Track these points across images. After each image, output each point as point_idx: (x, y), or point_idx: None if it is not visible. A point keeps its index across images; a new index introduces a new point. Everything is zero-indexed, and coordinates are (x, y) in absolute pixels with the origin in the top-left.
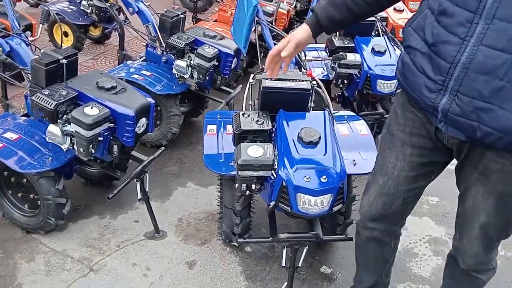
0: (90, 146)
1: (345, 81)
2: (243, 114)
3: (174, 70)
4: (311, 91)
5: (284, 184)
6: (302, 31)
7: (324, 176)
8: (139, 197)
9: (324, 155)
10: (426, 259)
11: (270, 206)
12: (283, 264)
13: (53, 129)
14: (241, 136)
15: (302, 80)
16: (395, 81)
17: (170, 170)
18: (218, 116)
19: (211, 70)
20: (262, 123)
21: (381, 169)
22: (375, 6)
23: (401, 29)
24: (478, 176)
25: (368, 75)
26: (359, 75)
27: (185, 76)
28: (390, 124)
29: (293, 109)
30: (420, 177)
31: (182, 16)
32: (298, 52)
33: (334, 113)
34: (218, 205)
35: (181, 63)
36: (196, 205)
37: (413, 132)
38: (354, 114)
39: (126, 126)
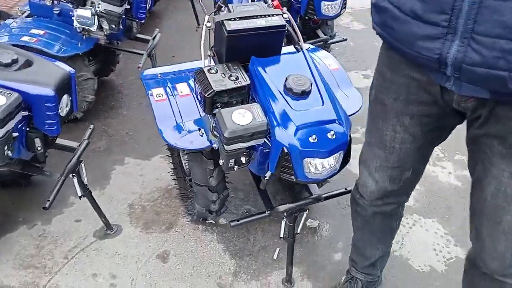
0: (5, 147)
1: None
2: (209, 70)
3: (75, 23)
4: (285, 28)
5: (285, 150)
6: None
7: (332, 132)
8: (79, 194)
9: (322, 105)
10: None
11: (266, 178)
12: (281, 235)
13: None
14: (214, 100)
15: (272, 15)
16: (340, 0)
17: (97, 147)
18: (159, 75)
19: (123, 16)
20: (236, 79)
21: (379, 142)
22: None
23: None
24: (503, 149)
25: None
26: (299, 0)
27: (91, 29)
28: (377, 90)
29: (265, 53)
30: (426, 144)
31: None
32: None
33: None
34: (173, 179)
35: (83, 12)
36: (144, 184)
37: (409, 99)
38: (311, 45)
39: (46, 111)
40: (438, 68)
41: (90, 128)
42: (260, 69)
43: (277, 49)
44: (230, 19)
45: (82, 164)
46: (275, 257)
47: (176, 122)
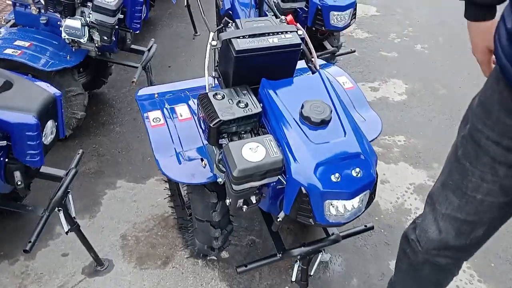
0: None
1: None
2: (214, 96)
3: (63, 34)
4: (301, 47)
5: (304, 191)
6: (480, 37)
7: (357, 169)
8: (66, 229)
9: (344, 136)
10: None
11: (279, 220)
12: (293, 279)
13: None
14: (220, 130)
15: (286, 32)
16: (349, 10)
17: (87, 168)
18: (156, 95)
19: (116, 27)
20: (246, 106)
21: (456, 187)
22: None
23: None
24: None
25: (319, 7)
26: (306, 9)
27: (81, 41)
28: (474, 126)
29: (277, 75)
30: (510, 210)
31: None
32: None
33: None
34: (171, 206)
35: (73, 23)
36: (138, 211)
37: None
38: (323, 61)
39: (28, 140)
40: None
41: (78, 153)
42: (272, 93)
43: (290, 70)
44: (238, 37)
45: (70, 195)
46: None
47: (176, 151)
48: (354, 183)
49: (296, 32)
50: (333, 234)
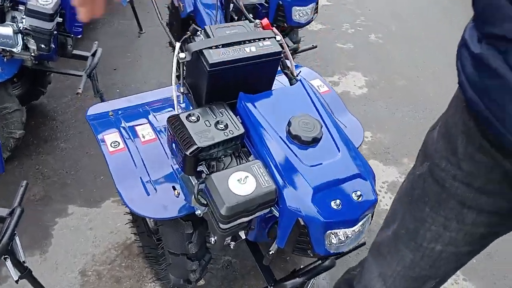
0: None
1: (234, 15)
2: (187, 118)
3: None
4: (281, 55)
5: (301, 222)
6: None
7: (358, 192)
8: (16, 278)
9: (339, 154)
10: None
11: (271, 253)
12: None
13: None
14: (197, 158)
15: (264, 39)
16: (312, 5)
17: (32, 194)
18: (110, 113)
19: (55, 32)
20: (226, 127)
21: (410, 238)
22: None
23: None
24: None
25: (280, 2)
26: (266, 5)
27: (14, 50)
28: (436, 163)
29: (256, 87)
30: (473, 253)
31: None
32: None
33: None
34: (133, 233)
35: (3, 30)
36: (96, 240)
37: (485, 189)
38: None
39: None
40: None
41: (22, 186)
42: (253, 109)
43: (270, 81)
44: (211, 47)
45: (17, 238)
46: None
47: (142, 181)
48: (356, 209)
49: (275, 38)
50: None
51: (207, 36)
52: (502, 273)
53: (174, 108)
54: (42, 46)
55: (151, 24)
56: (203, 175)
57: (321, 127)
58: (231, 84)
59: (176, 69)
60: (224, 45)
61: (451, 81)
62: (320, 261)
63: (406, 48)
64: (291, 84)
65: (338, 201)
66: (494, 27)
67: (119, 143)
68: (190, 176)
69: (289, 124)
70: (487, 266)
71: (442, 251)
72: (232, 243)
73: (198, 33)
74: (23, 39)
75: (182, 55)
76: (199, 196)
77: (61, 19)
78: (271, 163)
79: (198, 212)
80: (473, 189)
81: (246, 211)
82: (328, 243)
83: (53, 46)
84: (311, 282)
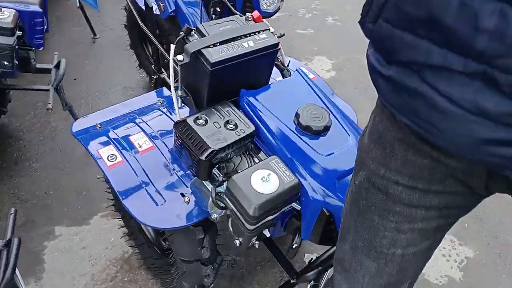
0: None
1: (218, 8)
2: (195, 121)
3: None
4: (279, 47)
5: (326, 212)
6: None
7: None
8: None
9: (349, 139)
10: None
11: (295, 247)
12: None
13: None
14: (211, 162)
15: (259, 32)
16: None
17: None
18: (98, 126)
19: (16, 47)
20: (236, 126)
21: (369, 248)
22: None
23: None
24: None
25: None
26: None
27: None
28: (374, 171)
29: (254, 82)
30: (436, 242)
31: None
32: None
33: None
34: (131, 246)
35: None
36: (92, 259)
37: (429, 189)
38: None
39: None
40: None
41: (11, 214)
42: (258, 105)
43: (268, 75)
44: (209, 46)
45: (17, 269)
46: None
47: (147, 192)
48: None
49: (269, 30)
50: None
51: (201, 35)
52: (493, 233)
53: (168, 114)
54: (5, 63)
55: (103, 28)
56: (217, 178)
57: (329, 115)
58: (232, 82)
59: (174, 72)
60: (221, 43)
61: None
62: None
63: None
64: (283, 76)
65: None
66: (399, 55)
67: (116, 156)
68: (203, 181)
69: (297, 115)
70: (478, 229)
71: (403, 254)
72: (257, 242)
73: (192, 32)
74: None
75: (180, 57)
76: (217, 199)
77: (20, 32)
78: (287, 157)
79: (214, 216)
80: (418, 190)
81: (273, 209)
82: None
83: (16, 62)
84: (328, 272)
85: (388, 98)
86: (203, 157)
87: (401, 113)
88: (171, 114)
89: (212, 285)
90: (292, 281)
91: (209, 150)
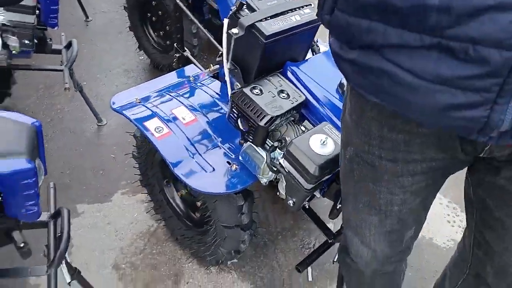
0: None
1: None
2: (251, 90)
3: None
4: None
5: None
6: None
7: None
8: (68, 280)
9: None
10: None
11: (338, 208)
12: (335, 260)
13: None
14: (267, 129)
15: (302, 7)
16: None
17: None
18: (136, 99)
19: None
20: (288, 95)
21: (369, 208)
22: None
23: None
24: None
25: None
26: None
27: None
28: (359, 148)
29: (296, 56)
30: (430, 196)
31: None
32: None
33: None
34: (157, 220)
35: None
36: (118, 234)
37: (408, 159)
38: None
39: (24, 190)
40: (477, 131)
41: (52, 187)
42: (303, 76)
43: (307, 49)
44: (261, 20)
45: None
46: (310, 278)
47: (197, 162)
48: None
49: (311, 5)
50: None
51: (252, 9)
52: None
53: (202, 89)
54: (26, 41)
55: (95, 11)
56: (271, 145)
57: None
58: (279, 55)
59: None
60: (271, 17)
61: None
62: None
63: None
64: (313, 52)
65: None
66: (359, 40)
67: (162, 128)
68: (256, 148)
69: (340, 85)
70: None
71: (400, 210)
72: (307, 203)
73: (244, 7)
74: (1, 37)
75: (235, 30)
76: (271, 164)
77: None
78: (335, 123)
79: (264, 180)
80: (400, 162)
81: (331, 169)
82: None
83: (35, 41)
84: None
85: (355, 80)
86: (262, 123)
87: (370, 92)
88: (205, 89)
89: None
90: (330, 241)
91: (268, 117)
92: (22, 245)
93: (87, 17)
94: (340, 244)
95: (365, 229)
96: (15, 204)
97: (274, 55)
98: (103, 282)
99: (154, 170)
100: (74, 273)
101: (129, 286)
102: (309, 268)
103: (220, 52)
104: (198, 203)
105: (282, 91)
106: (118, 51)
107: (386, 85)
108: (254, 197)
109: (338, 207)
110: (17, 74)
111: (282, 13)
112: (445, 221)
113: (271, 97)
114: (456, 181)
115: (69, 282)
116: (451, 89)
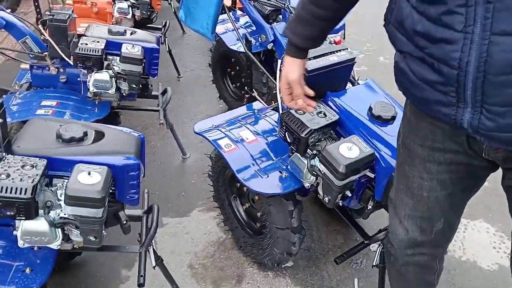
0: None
1: None
2: (296, 111)
3: (91, 88)
4: (355, 61)
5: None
6: (295, 67)
7: None
8: (154, 263)
9: None
10: None
11: (369, 208)
12: (375, 263)
13: None
14: (308, 140)
15: (339, 51)
16: (342, 31)
17: None
18: (213, 125)
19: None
20: (325, 115)
21: (406, 189)
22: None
23: None
24: None
25: None
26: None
27: (109, 92)
28: (404, 135)
29: (336, 87)
30: (457, 194)
31: (74, 15)
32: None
33: None
34: (226, 230)
35: (101, 76)
36: (194, 241)
37: (434, 147)
38: None
39: (130, 180)
40: (458, 127)
41: (146, 193)
42: (340, 102)
43: (345, 82)
44: (309, 59)
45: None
46: (356, 287)
47: (255, 170)
48: None
49: (347, 49)
50: None
51: None
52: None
53: (262, 118)
54: (133, 86)
55: (185, 69)
56: (311, 153)
57: (395, 108)
58: (321, 86)
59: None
60: (314, 57)
61: None
62: None
63: None
64: (353, 85)
65: None
66: (395, 45)
67: (230, 144)
68: (299, 157)
69: (370, 109)
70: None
71: (428, 196)
72: (341, 201)
73: None
74: (116, 82)
75: None
76: (312, 170)
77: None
78: (363, 138)
79: (306, 184)
80: (427, 148)
81: (356, 169)
82: None
83: (140, 86)
84: None
85: (396, 77)
86: (303, 135)
87: (399, 84)
88: (266, 119)
89: (294, 256)
90: (365, 242)
91: (308, 129)
92: (125, 222)
93: (179, 74)
94: (385, 237)
95: (402, 209)
96: (122, 191)
97: (317, 85)
98: (179, 277)
99: (224, 187)
100: (158, 259)
101: (200, 282)
102: (356, 279)
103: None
104: (259, 214)
105: (320, 112)
106: (202, 101)
107: (405, 81)
108: (303, 206)
109: (369, 208)
110: (122, 116)
111: (323, 55)
112: (491, 247)
113: (311, 116)
114: (503, 210)
115: (154, 266)
116: (433, 90)
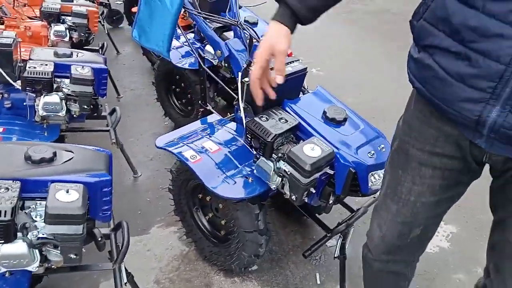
0: None
1: None
2: (260, 118)
3: (41, 112)
4: (307, 70)
5: (352, 170)
6: (284, 37)
7: (381, 145)
8: (125, 281)
9: (362, 126)
10: None
11: (331, 203)
12: (336, 255)
13: None
14: (273, 144)
15: (292, 62)
16: None
17: None
18: (174, 139)
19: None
20: (286, 120)
21: (393, 194)
22: None
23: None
24: None
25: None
26: None
27: (59, 114)
28: (401, 140)
29: (291, 95)
30: (443, 202)
31: (18, 39)
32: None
33: None
34: (190, 242)
35: (52, 99)
36: (157, 257)
37: (434, 151)
38: None
39: (103, 197)
40: (473, 127)
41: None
42: (297, 109)
43: (299, 90)
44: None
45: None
46: (318, 281)
47: (222, 178)
48: (383, 156)
49: (298, 60)
50: (359, 209)
51: None
52: (469, 214)
53: (222, 129)
54: (85, 107)
55: (124, 89)
56: (276, 157)
57: (345, 112)
58: (278, 94)
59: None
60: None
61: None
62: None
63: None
64: (303, 93)
65: (372, 152)
66: (424, 40)
67: (196, 156)
68: (266, 161)
69: (324, 112)
70: (457, 211)
71: (415, 201)
72: (306, 198)
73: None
74: (66, 104)
75: (246, 79)
76: (279, 172)
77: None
78: (323, 138)
79: (273, 186)
80: (426, 152)
81: (319, 167)
82: (371, 183)
83: (92, 106)
84: (351, 232)
85: (414, 72)
86: (269, 139)
87: (419, 81)
88: (225, 129)
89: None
90: (328, 234)
91: (273, 134)
92: (100, 239)
93: (118, 94)
94: (362, 246)
95: (384, 214)
96: (95, 208)
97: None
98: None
99: (186, 199)
100: (129, 276)
101: None
102: (317, 274)
103: (236, 98)
104: (223, 222)
105: (281, 118)
106: (146, 119)
107: (431, 77)
108: (266, 209)
109: (330, 202)
110: (68, 139)
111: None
112: None
113: (274, 122)
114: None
115: (126, 283)
116: (464, 85)
